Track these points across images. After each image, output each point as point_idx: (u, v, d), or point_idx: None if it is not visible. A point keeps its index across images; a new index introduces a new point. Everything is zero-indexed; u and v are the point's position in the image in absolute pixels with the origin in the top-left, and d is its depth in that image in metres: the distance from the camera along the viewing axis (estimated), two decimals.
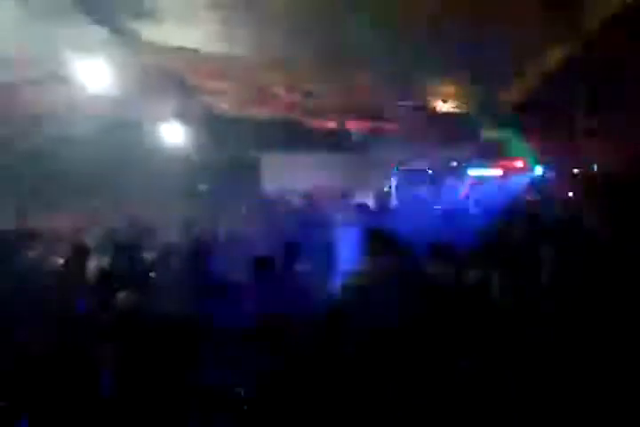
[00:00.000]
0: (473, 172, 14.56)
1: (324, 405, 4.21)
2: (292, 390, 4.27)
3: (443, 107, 11.88)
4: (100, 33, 8.12)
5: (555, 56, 8.16)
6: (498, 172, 14.39)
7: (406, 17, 7.00)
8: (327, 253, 8.49)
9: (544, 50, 8.07)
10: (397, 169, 14.47)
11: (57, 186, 10.95)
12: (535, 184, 12.83)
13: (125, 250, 7.20)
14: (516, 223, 8.21)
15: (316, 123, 12.95)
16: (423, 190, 13.83)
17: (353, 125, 13.31)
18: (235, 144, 12.96)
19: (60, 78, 8.54)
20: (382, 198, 13.15)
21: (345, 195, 13.10)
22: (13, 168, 10.22)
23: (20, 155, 10.31)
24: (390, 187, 14.08)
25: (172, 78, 10.53)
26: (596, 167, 10.70)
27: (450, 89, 10.90)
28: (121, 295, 5.13)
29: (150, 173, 11.80)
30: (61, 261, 7.18)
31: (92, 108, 9.68)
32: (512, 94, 10.18)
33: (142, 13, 7.68)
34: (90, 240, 8.40)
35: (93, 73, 8.59)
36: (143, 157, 11.92)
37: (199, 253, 7.32)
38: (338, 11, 7.00)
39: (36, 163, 10.51)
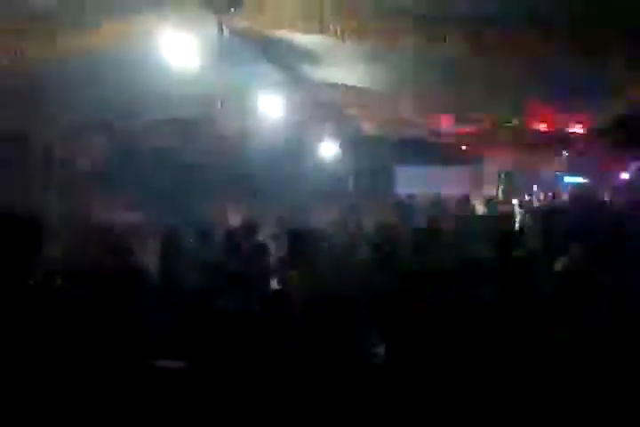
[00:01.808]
0: (568, 179, 14.15)
1: None
2: None
3: (541, 126, 11.56)
4: (277, 76, 8.55)
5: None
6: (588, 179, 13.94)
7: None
8: None
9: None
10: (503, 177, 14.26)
11: (244, 190, 11.16)
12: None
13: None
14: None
15: (440, 141, 12.85)
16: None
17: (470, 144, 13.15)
18: (376, 157, 13.05)
19: (250, 109, 8.92)
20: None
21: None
22: (213, 178, 10.70)
23: (219, 168, 10.71)
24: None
25: (330, 108, 10.81)
26: None
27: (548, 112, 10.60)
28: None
29: (313, 179, 12.03)
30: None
31: (270, 131, 9.90)
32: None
33: (310, 59, 7.94)
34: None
35: (273, 105, 8.85)
36: (309, 168, 12.21)
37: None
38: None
39: (229, 173, 10.80)
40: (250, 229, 6.47)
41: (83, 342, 2.65)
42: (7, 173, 7.93)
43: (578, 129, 11.18)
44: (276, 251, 6.43)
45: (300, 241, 5.74)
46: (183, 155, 10.16)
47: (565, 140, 12.13)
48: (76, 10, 5.83)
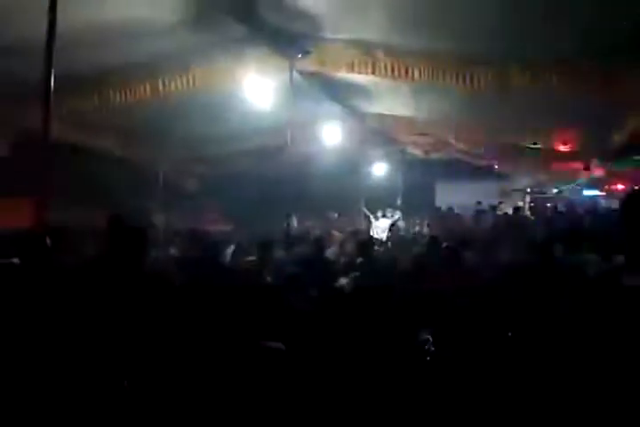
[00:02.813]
0: (587, 192, 13.77)
1: None
2: None
3: (563, 148, 11.24)
4: (336, 109, 8.63)
5: None
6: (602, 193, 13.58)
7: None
8: None
9: None
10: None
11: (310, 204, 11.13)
12: None
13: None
14: None
15: (474, 161, 12.64)
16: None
17: (497, 163, 12.86)
18: (420, 175, 12.96)
19: (316, 137, 9.06)
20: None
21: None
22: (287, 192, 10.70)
23: (291, 185, 10.75)
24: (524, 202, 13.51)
25: (380, 135, 10.83)
26: None
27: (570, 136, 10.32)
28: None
29: (366, 194, 11.96)
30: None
31: (332, 155, 10.05)
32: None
33: (364, 95, 7.99)
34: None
35: (331, 134, 9.04)
36: (363, 184, 12.12)
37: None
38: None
39: (298, 188, 10.86)
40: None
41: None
42: (134, 191, 8.33)
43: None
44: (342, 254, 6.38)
45: (362, 246, 5.68)
46: (262, 175, 10.32)
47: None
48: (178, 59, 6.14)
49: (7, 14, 4.32)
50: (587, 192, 13.91)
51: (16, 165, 5.28)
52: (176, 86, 6.39)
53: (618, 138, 9.30)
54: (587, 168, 11.39)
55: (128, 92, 6.39)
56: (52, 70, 3.24)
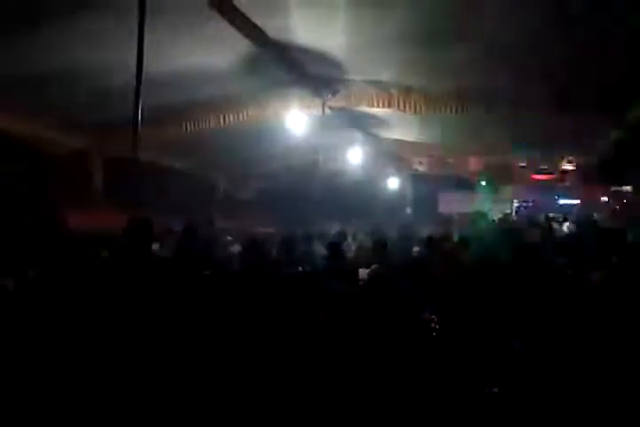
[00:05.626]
0: (562, 201, 13.32)
1: None
2: None
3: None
4: (358, 136, 8.67)
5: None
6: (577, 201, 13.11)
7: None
8: None
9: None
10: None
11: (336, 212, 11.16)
12: None
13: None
14: None
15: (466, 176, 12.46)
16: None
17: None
18: (425, 188, 12.82)
19: (342, 158, 9.09)
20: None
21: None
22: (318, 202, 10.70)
23: (321, 195, 10.70)
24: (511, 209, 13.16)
25: (393, 155, 10.78)
26: None
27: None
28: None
29: (381, 204, 11.89)
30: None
31: (353, 171, 9.99)
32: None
33: (381, 125, 8.04)
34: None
35: (354, 155, 8.96)
36: (379, 196, 12.09)
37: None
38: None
39: (327, 199, 10.77)
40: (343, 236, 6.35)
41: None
42: (195, 199, 8.50)
43: (569, 167, 10.71)
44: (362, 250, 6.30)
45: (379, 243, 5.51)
46: (300, 187, 10.36)
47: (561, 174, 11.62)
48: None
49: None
50: (562, 201, 13.43)
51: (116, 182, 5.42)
52: (236, 119, 6.58)
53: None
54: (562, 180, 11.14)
55: (199, 124, 6.57)
56: (140, 107, 3.36)
